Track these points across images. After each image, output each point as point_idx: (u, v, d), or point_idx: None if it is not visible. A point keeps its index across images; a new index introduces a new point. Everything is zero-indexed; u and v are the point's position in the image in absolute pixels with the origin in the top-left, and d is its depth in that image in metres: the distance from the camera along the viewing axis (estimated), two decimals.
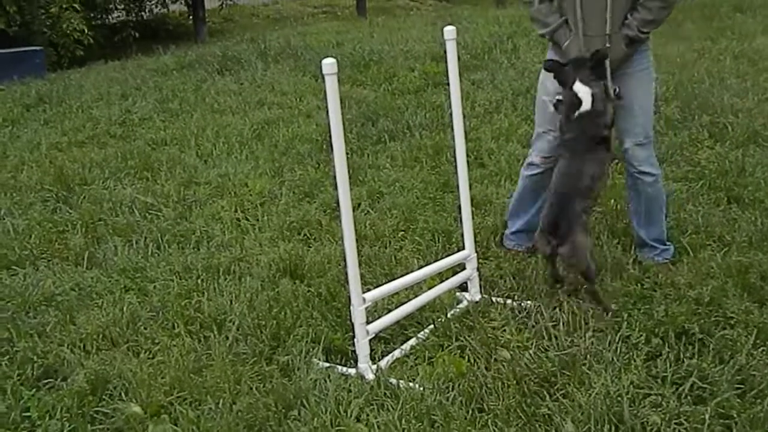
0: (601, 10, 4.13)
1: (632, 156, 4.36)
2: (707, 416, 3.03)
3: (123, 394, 3.50)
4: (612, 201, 5.16)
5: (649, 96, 4.39)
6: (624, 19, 4.16)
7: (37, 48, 12.18)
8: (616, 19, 4.14)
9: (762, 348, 3.50)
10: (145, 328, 4.06)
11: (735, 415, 3.07)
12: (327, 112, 3.42)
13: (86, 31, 13.07)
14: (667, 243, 4.52)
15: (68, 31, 12.90)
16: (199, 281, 4.52)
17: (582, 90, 4.04)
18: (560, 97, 4.16)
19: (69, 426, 3.29)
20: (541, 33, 4.39)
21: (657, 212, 4.48)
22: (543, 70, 4.39)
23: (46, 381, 3.64)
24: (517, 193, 4.74)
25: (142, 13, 15.30)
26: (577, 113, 4.05)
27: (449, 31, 3.94)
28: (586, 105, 4.04)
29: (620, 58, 4.20)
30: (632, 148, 4.34)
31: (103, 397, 3.50)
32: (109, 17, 14.93)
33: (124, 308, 4.22)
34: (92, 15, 14.42)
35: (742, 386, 3.24)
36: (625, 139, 4.34)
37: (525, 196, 4.66)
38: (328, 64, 3.34)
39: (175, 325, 4.05)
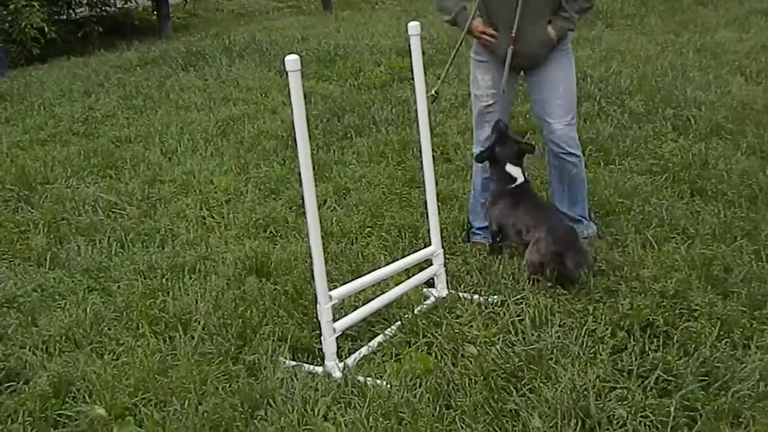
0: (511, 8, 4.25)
1: (560, 137, 4.45)
2: (672, 409, 3.05)
3: (87, 397, 3.46)
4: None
5: (572, 76, 4.53)
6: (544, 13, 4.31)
7: None
8: (531, 15, 4.27)
9: (725, 340, 3.53)
10: (109, 329, 4.02)
11: (699, 407, 3.09)
12: (291, 108, 3.39)
13: (46, 27, 12.85)
14: (588, 220, 4.70)
15: (27, 28, 12.68)
16: (164, 280, 4.47)
17: (514, 171, 4.51)
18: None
19: (31, 429, 3.25)
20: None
21: (581, 192, 4.64)
22: (471, 60, 4.60)
23: (7, 384, 3.58)
24: (474, 189, 4.82)
25: (106, 8, 15.08)
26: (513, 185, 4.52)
27: (413, 26, 3.93)
28: (520, 179, 4.52)
29: (545, 50, 4.37)
30: (561, 129, 4.43)
31: (67, 399, 3.46)
32: (73, 12, 14.70)
33: (88, 309, 4.17)
34: (55, 10, 14.20)
35: (706, 378, 3.26)
36: (553, 120, 4.43)
37: (479, 191, 4.76)
38: (291, 61, 3.31)
39: (140, 325, 4.01)
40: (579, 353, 3.45)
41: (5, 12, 12.66)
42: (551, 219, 4.36)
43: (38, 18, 12.68)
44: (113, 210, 5.63)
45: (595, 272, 4.18)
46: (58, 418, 3.35)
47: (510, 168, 4.49)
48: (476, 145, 4.70)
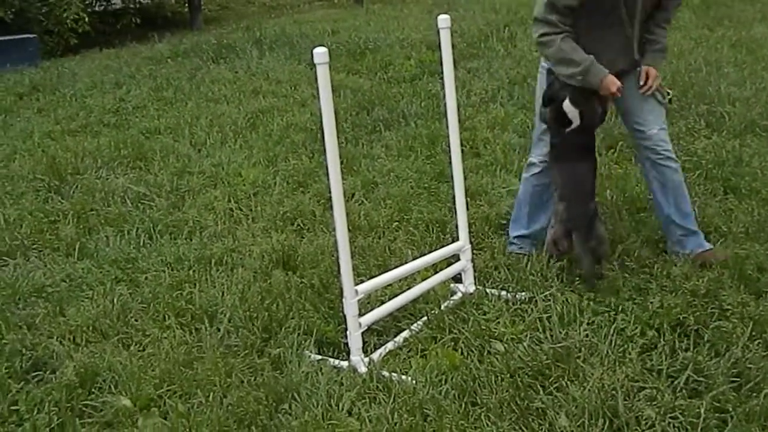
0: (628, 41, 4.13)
1: (656, 142, 4.21)
2: (702, 410, 3.00)
3: (112, 387, 3.47)
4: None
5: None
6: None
7: (31, 35, 12.10)
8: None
9: (758, 341, 3.47)
10: (136, 320, 4.03)
11: (731, 409, 3.03)
12: (319, 101, 3.38)
13: (84, 18, 12.97)
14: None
15: (64, 19, 12.79)
16: (191, 272, 4.48)
17: (570, 110, 4.09)
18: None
19: (57, 420, 3.25)
20: (568, 74, 4.03)
21: (687, 202, 4.35)
22: (541, 69, 4.32)
23: (34, 374, 3.60)
24: (519, 198, 4.57)
25: (140, 0, 15.19)
26: (567, 129, 4.13)
27: (443, 19, 3.89)
28: (575, 123, 4.12)
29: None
30: (656, 134, 4.21)
31: (93, 390, 3.47)
32: (110, 4, 14.83)
33: (115, 300, 4.18)
34: (92, 2, 14.34)
35: (738, 379, 3.21)
36: (646, 127, 4.22)
37: (527, 200, 4.50)
38: (320, 54, 3.29)
39: (166, 317, 4.02)
40: (607, 352, 3.40)
41: (40, 3, 12.77)
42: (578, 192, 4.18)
43: (77, 8, 12.80)
44: (142, 201, 5.65)
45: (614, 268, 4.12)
46: (84, 409, 3.36)
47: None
48: (533, 153, 4.46)
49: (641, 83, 4.17)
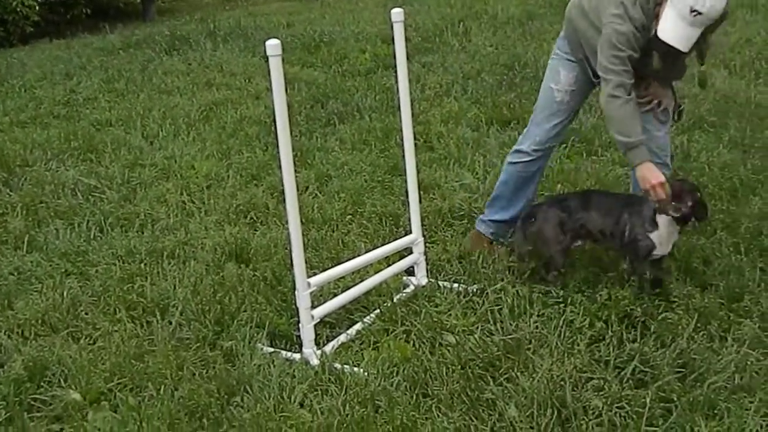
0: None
1: (660, 146, 4.15)
2: (648, 400, 3.05)
3: (62, 381, 3.44)
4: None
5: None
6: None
7: None
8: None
9: (702, 332, 3.54)
10: (86, 314, 4.00)
11: (675, 399, 3.09)
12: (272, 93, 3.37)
13: (35, 6, 12.76)
14: None
15: (14, 7, 12.58)
16: (143, 265, 4.45)
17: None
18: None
19: (6, 414, 3.22)
20: (616, 138, 3.89)
21: None
22: (555, 56, 4.27)
23: None
24: (501, 181, 4.50)
25: None
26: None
27: (396, 13, 3.90)
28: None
29: None
30: (662, 137, 4.17)
31: (42, 384, 3.43)
32: None
33: (65, 293, 4.14)
34: None
35: (683, 370, 3.26)
36: (652, 127, 4.11)
37: (510, 185, 4.44)
38: (272, 45, 3.28)
39: (117, 310, 3.99)
40: (557, 343, 3.44)
41: None
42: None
43: None
44: (93, 193, 5.59)
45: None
46: (33, 403, 3.32)
47: None
48: (525, 141, 4.38)
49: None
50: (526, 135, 4.42)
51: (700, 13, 3.57)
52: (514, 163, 4.43)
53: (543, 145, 4.34)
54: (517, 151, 4.42)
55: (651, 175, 3.76)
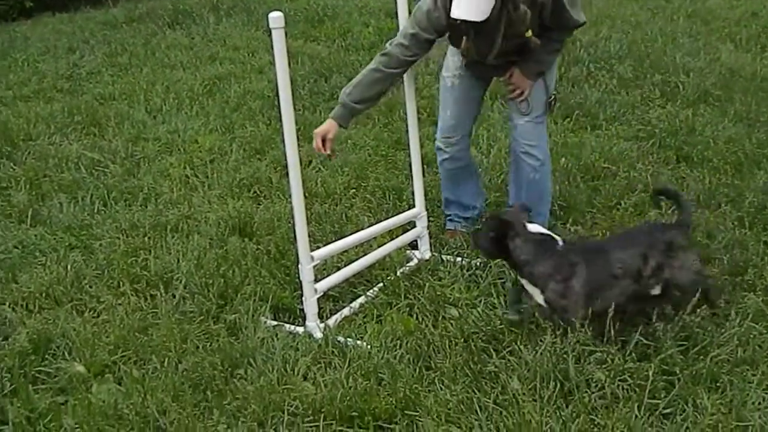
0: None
1: (523, 132, 4.08)
2: (651, 372, 3.05)
3: (66, 354, 3.45)
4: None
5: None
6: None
7: None
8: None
9: (706, 305, 3.53)
10: (90, 287, 4.00)
11: (678, 372, 3.09)
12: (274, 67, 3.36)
13: None
14: None
15: None
16: (146, 239, 4.46)
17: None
18: None
19: (10, 386, 3.23)
20: (343, 93, 3.86)
21: (542, 201, 4.21)
22: (449, 50, 4.18)
23: None
24: (442, 184, 4.48)
25: None
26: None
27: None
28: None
29: None
30: (524, 125, 4.06)
31: (46, 356, 3.45)
32: None
33: (69, 266, 4.15)
34: None
35: (685, 343, 3.26)
36: (520, 117, 4.08)
37: (449, 185, 4.41)
38: (275, 18, 3.26)
39: (121, 283, 4.00)
40: None
41: None
42: None
43: None
44: (96, 167, 5.58)
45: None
46: (38, 375, 3.34)
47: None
48: (440, 132, 4.29)
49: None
50: (439, 129, 4.33)
51: None
52: (440, 162, 4.36)
53: (448, 136, 4.24)
54: (437, 149, 4.34)
55: (322, 129, 3.78)
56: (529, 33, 3.73)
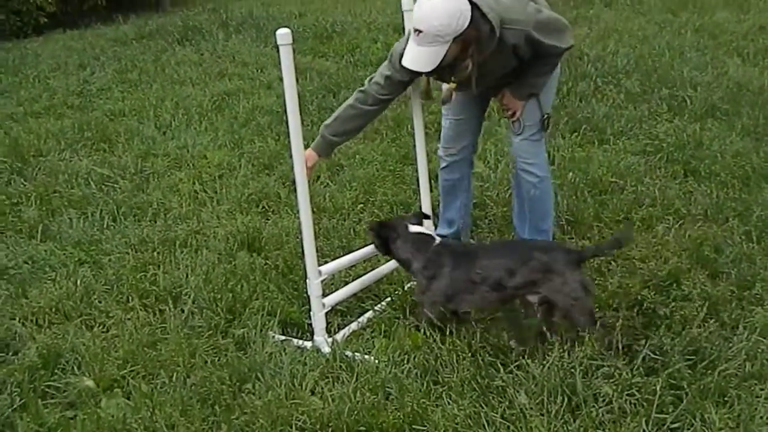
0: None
1: (521, 150, 4.07)
2: (658, 387, 3.05)
3: (75, 368, 3.46)
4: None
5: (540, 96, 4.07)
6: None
7: None
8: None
9: (714, 319, 3.54)
10: (99, 302, 4.02)
11: (686, 386, 3.09)
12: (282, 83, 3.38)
13: None
14: None
15: None
16: (155, 254, 4.48)
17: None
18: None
19: (20, 401, 3.25)
20: (323, 125, 3.92)
21: (544, 217, 4.19)
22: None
23: None
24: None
25: None
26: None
27: (406, 2, 3.90)
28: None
29: None
30: (521, 143, 4.06)
31: (56, 371, 3.46)
32: None
33: (78, 281, 4.17)
34: None
35: (693, 357, 3.27)
36: (517, 135, 4.08)
37: (442, 196, 4.44)
38: (283, 35, 3.29)
39: (130, 298, 4.01)
40: (567, 331, 3.44)
41: None
42: None
43: None
44: (106, 183, 5.62)
45: None
46: (47, 390, 3.35)
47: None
48: (441, 142, 4.35)
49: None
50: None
51: (420, 31, 3.48)
52: (439, 171, 4.39)
53: (447, 146, 4.28)
54: (438, 157, 4.39)
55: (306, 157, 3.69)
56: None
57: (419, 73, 3.74)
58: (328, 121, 3.89)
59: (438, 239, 3.69)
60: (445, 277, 3.54)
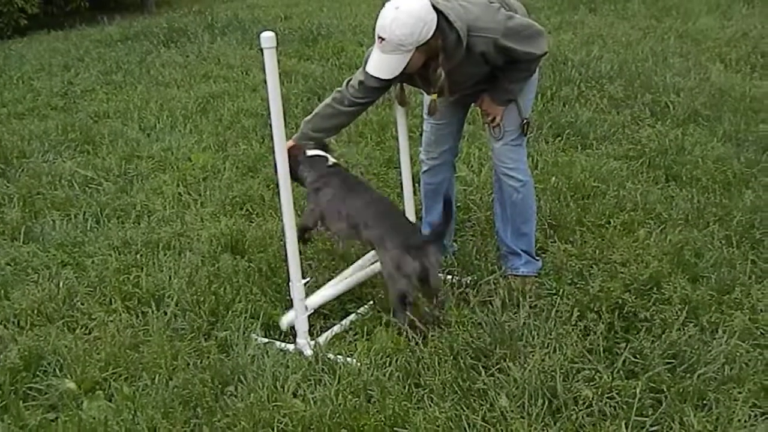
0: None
1: (501, 155, 4.05)
2: (638, 390, 3.08)
3: (57, 370, 3.47)
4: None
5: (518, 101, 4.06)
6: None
7: None
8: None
9: (694, 323, 3.57)
10: (82, 304, 4.02)
11: (665, 389, 3.12)
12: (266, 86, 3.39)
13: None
14: (536, 257, 4.24)
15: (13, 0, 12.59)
16: (139, 256, 4.47)
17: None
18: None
19: (1, 402, 3.25)
20: (303, 122, 4.05)
21: (527, 221, 4.17)
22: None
23: None
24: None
25: None
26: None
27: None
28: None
29: None
30: (501, 148, 4.04)
31: (37, 373, 3.47)
32: None
33: (61, 283, 4.17)
34: None
35: (673, 361, 3.29)
36: (497, 141, 4.06)
37: (424, 200, 4.43)
38: (267, 38, 3.30)
39: (113, 300, 4.02)
40: (548, 334, 3.47)
41: None
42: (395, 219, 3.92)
43: None
44: (90, 185, 5.61)
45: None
46: (29, 392, 3.35)
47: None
48: (423, 146, 4.33)
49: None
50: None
51: (383, 39, 3.52)
52: (421, 174, 4.38)
53: (427, 150, 4.28)
54: (420, 160, 4.38)
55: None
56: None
57: (391, 80, 3.74)
58: (308, 117, 4.00)
59: (332, 161, 4.03)
60: (327, 195, 3.91)
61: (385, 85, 3.79)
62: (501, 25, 3.61)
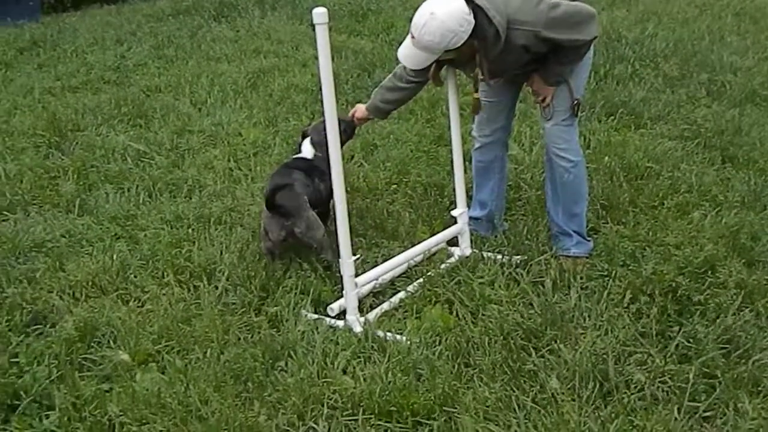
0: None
1: (553, 136, 4.02)
2: (692, 375, 3.04)
3: (111, 342, 3.52)
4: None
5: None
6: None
7: None
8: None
9: (749, 308, 3.51)
10: (135, 277, 4.06)
11: (719, 375, 3.08)
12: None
13: None
14: (588, 238, 4.19)
15: None
16: (190, 230, 4.51)
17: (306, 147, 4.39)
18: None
19: (57, 372, 3.29)
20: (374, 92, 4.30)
21: (577, 201, 4.12)
22: None
23: (35, 327, 3.64)
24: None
25: None
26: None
27: None
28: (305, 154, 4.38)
29: None
30: (552, 128, 4.01)
31: (92, 344, 3.51)
32: None
33: (114, 256, 4.22)
34: None
35: (727, 346, 3.25)
36: (548, 121, 4.03)
37: (474, 178, 4.43)
38: (319, 14, 3.28)
39: (165, 274, 4.05)
40: (600, 316, 3.44)
41: None
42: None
43: None
44: (142, 159, 5.66)
45: None
46: (83, 362, 3.40)
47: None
48: (475, 123, 4.33)
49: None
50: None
51: (413, 37, 3.57)
52: (472, 152, 4.41)
53: (480, 128, 4.27)
54: (471, 137, 4.41)
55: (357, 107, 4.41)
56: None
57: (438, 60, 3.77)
58: (377, 88, 4.25)
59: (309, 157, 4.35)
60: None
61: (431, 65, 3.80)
62: (543, 16, 3.58)
